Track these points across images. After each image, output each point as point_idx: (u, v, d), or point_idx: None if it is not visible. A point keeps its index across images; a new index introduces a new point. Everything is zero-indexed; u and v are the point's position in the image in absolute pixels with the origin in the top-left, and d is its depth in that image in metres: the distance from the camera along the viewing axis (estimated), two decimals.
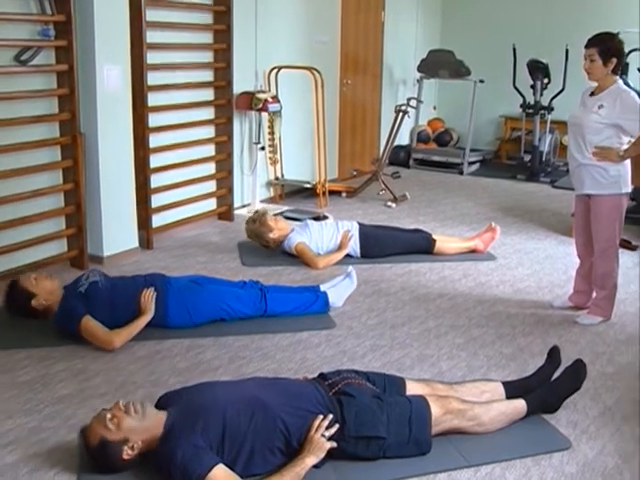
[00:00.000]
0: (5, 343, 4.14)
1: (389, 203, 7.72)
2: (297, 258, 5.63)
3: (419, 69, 9.69)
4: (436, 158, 9.77)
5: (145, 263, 5.63)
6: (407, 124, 9.30)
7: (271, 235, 5.71)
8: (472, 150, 9.69)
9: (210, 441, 2.76)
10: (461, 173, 9.52)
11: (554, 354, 3.61)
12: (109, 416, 2.82)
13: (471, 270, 5.63)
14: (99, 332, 4.07)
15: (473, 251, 5.97)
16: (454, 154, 9.76)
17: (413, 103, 8.47)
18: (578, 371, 3.45)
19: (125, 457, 2.82)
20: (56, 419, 3.36)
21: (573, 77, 8.28)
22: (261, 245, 5.79)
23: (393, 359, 4.06)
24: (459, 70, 9.37)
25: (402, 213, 7.41)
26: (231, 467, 2.75)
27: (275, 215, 5.98)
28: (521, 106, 9.23)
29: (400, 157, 9.76)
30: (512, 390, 3.43)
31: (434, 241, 5.87)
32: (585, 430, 3.34)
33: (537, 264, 5.81)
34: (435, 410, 3.09)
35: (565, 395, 3.42)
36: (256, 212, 5.91)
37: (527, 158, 9.31)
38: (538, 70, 8.85)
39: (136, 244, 5.87)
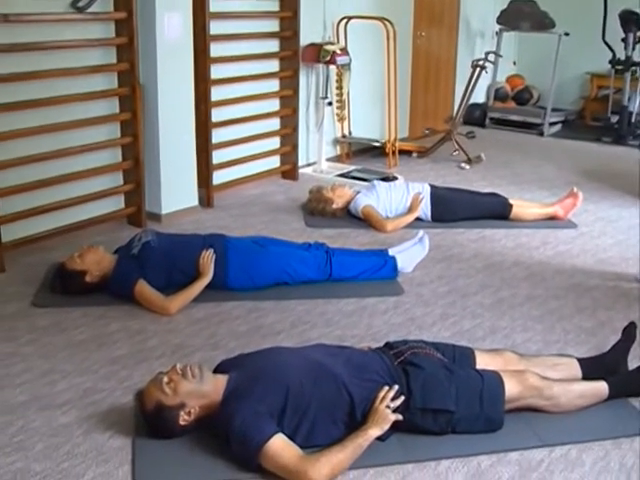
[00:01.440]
0: (60, 301, 4.23)
1: (463, 164, 7.63)
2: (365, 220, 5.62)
3: (499, 20, 9.48)
4: (514, 118, 9.61)
5: (205, 222, 5.68)
6: (484, 80, 9.11)
7: (334, 206, 5.72)
8: (554, 110, 9.48)
9: (271, 409, 2.78)
10: (541, 134, 9.33)
11: (630, 330, 3.53)
12: (166, 380, 2.85)
13: (550, 238, 5.53)
14: (154, 298, 4.13)
15: (553, 218, 5.87)
16: (534, 114, 9.57)
17: (491, 58, 8.32)
18: None
19: (182, 422, 2.86)
20: (111, 380, 3.42)
21: None
22: (331, 218, 5.77)
23: (464, 329, 4.03)
24: (542, 22, 9.14)
25: (477, 175, 7.31)
26: (291, 437, 2.77)
27: (335, 177, 5.91)
28: (610, 62, 8.96)
29: (476, 116, 9.63)
30: (588, 369, 3.36)
31: (511, 206, 5.79)
32: None
33: (622, 234, 5.68)
34: (510, 387, 3.04)
35: None
36: (310, 192, 5.91)
37: (614, 119, 9.07)
38: (631, 22, 8.57)
39: (196, 202, 5.91)
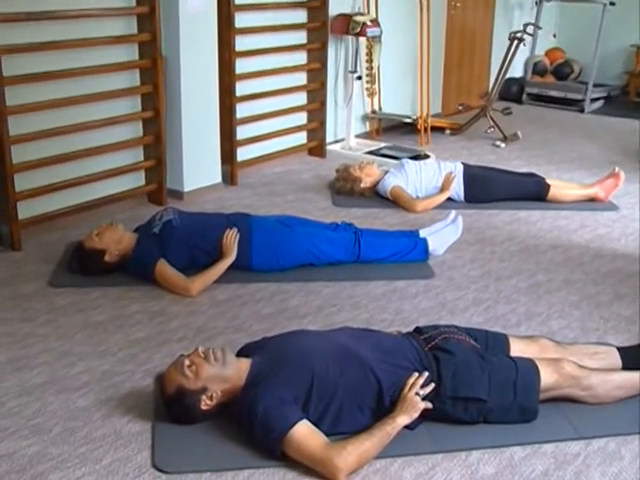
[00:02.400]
0: (79, 281, 4.26)
1: (498, 142, 7.59)
2: None
3: None
4: (553, 93, 9.53)
5: (228, 200, 5.69)
6: (522, 54, 9.06)
7: (362, 185, 5.73)
8: (596, 85, 9.39)
9: (296, 395, 2.79)
10: (582, 111, 9.25)
11: None
12: (187, 363, 2.87)
13: (589, 220, 5.49)
14: (175, 279, 4.15)
15: (592, 199, 5.82)
16: (574, 89, 9.48)
17: (530, 30, 8.23)
18: None
19: (203, 407, 2.88)
20: (130, 363, 3.45)
21: None
22: (359, 197, 5.77)
23: (498, 314, 4.02)
24: None
25: (512, 154, 7.27)
26: (316, 425, 2.77)
27: (364, 154, 5.89)
28: None
29: (512, 91, 9.56)
30: (628, 358, 3.33)
31: (548, 186, 5.75)
32: None
33: None
34: (545, 376, 3.03)
35: None
36: (337, 171, 5.92)
37: None
38: None
39: (219, 179, 5.93)
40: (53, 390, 3.23)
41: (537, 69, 9.92)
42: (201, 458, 2.81)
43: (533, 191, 5.77)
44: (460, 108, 8.51)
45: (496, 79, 8.11)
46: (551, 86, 9.66)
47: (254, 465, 2.76)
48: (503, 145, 7.55)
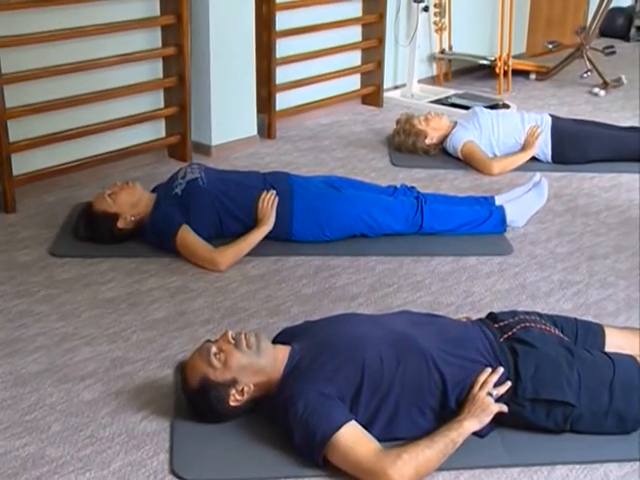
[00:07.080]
0: (86, 250, 4.31)
1: (596, 90, 7.53)
2: None
3: None
4: None
5: (265, 157, 5.73)
6: None
7: (427, 141, 5.73)
8: None
9: (343, 391, 2.80)
10: None
11: None
12: (214, 350, 2.89)
13: None
14: (200, 249, 4.18)
15: None
16: None
17: None
18: None
19: (232, 403, 2.90)
20: (146, 349, 3.49)
21: None
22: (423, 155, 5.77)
23: (590, 301, 4.00)
24: None
25: (614, 104, 7.22)
26: (367, 427, 2.78)
27: (429, 103, 5.85)
28: None
29: (617, 25, 9.45)
30: None
31: None
32: None
33: None
34: None
35: None
36: (397, 122, 5.91)
37: None
38: None
39: (254, 131, 5.96)
40: (53, 380, 3.27)
41: None
42: (228, 464, 2.83)
43: (638, 150, 5.72)
44: (550, 47, 8.42)
45: (597, 10, 8.00)
46: None
47: (291, 474, 2.78)
48: (603, 93, 7.49)
